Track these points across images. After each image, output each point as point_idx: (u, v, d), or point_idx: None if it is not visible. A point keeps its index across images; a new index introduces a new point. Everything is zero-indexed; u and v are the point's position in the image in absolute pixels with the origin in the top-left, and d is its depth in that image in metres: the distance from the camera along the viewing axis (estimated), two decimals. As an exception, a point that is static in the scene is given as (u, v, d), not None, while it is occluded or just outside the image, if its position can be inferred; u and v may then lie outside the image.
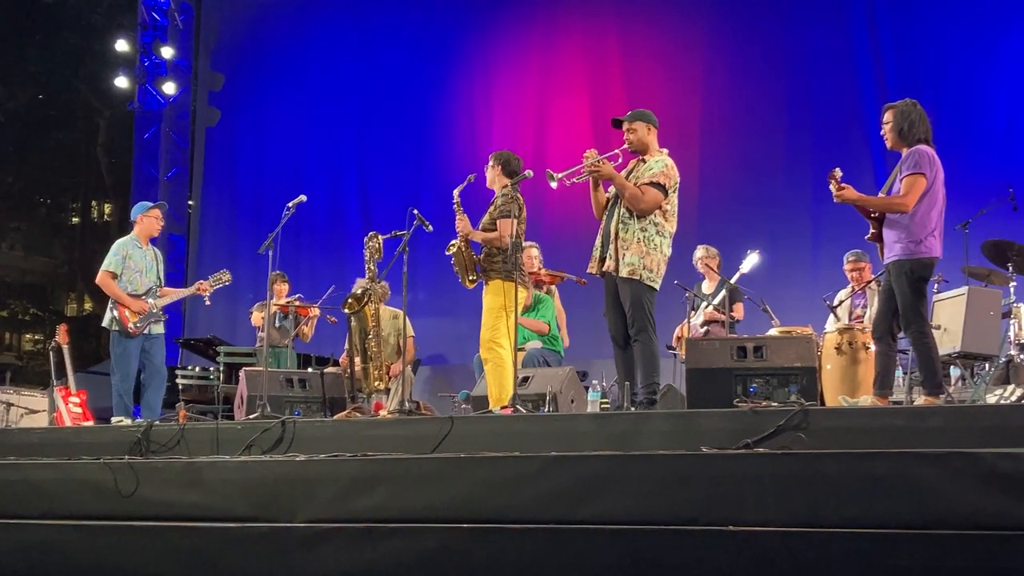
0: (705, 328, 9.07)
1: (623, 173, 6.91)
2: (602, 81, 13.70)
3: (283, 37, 16.11)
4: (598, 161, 6.84)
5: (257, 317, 10.65)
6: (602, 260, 6.86)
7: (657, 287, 6.77)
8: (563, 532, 4.88)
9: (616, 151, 6.99)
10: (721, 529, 4.57)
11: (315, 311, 10.44)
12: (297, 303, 10.25)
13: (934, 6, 11.89)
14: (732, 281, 9.03)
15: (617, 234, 6.74)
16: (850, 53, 12.28)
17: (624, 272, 6.68)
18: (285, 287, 10.63)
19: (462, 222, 7.46)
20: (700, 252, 9.42)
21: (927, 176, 6.09)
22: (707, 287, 9.37)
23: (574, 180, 6.97)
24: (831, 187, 6.30)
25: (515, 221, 7.22)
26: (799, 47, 12.61)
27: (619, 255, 6.71)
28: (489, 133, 14.14)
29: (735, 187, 12.17)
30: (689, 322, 9.04)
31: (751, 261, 9.13)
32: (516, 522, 4.99)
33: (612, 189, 6.92)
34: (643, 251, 6.67)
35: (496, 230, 7.32)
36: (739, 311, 9.12)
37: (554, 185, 6.98)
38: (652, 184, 6.72)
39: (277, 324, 10.46)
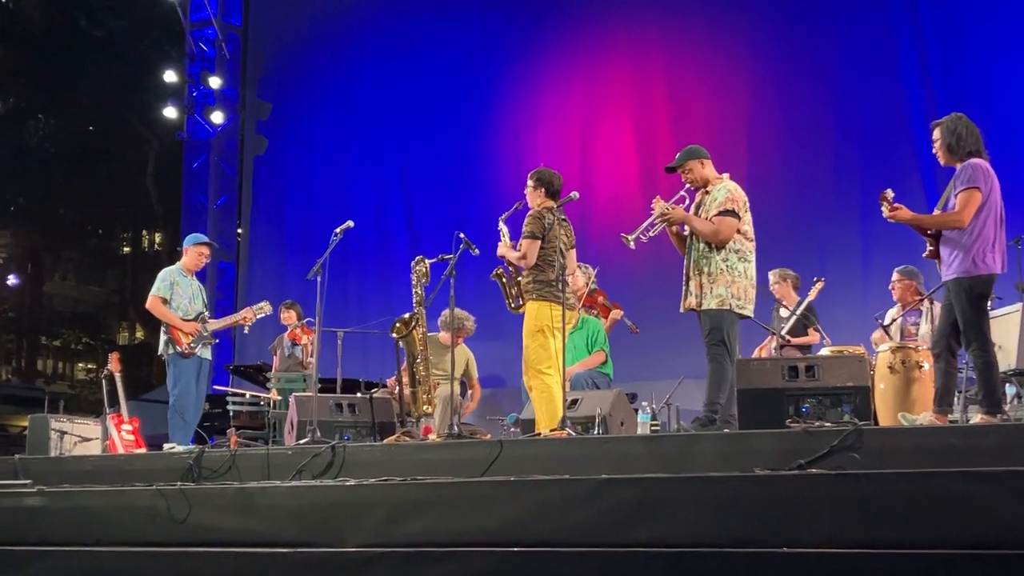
0: (781, 351, 8.98)
1: (693, 208, 7.02)
2: (647, 101, 13.68)
3: (328, 65, 16.23)
4: (668, 209, 6.96)
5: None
6: (686, 297, 6.93)
7: (747, 313, 6.88)
8: (614, 556, 4.84)
9: (681, 193, 7.14)
10: (775, 551, 4.52)
11: (305, 339, 10.49)
12: (300, 328, 10.37)
13: (982, 20, 11.78)
14: (803, 307, 9.01)
15: (701, 270, 6.82)
16: (898, 68, 12.18)
17: (713, 304, 6.75)
18: (292, 314, 10.71)
19: (502, 247, 7.50)
20: (772, 277, 9.41)
21: (982, 190, 6.01)
22: (785, 311, 9.35)
23: (650, 234, 7.06)
24: (883, 209, 6.23)
25: (538, 243, 7.21)
26: (846, 63, 12.53)
27: (702, 291, 6.79)
28: (534, 155, 14.11)
29: (784, 205, 12.05)
30: (773, 343, 8.99)
31: (817, 288, 9.10)
32: (566, 546, 4.96)
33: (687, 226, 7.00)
34: (728, 280, 6.77)
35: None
36: (814, 336, 9.06)
37: (632, 246, 7.06)
38: (722, 213, 6.80)
39: (287, 353, 10.58)
